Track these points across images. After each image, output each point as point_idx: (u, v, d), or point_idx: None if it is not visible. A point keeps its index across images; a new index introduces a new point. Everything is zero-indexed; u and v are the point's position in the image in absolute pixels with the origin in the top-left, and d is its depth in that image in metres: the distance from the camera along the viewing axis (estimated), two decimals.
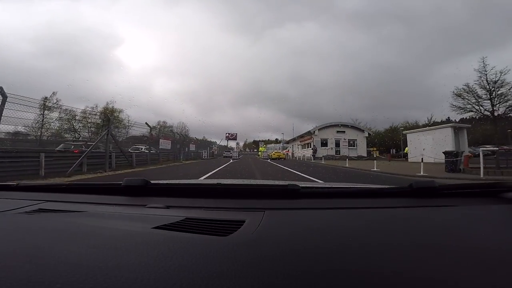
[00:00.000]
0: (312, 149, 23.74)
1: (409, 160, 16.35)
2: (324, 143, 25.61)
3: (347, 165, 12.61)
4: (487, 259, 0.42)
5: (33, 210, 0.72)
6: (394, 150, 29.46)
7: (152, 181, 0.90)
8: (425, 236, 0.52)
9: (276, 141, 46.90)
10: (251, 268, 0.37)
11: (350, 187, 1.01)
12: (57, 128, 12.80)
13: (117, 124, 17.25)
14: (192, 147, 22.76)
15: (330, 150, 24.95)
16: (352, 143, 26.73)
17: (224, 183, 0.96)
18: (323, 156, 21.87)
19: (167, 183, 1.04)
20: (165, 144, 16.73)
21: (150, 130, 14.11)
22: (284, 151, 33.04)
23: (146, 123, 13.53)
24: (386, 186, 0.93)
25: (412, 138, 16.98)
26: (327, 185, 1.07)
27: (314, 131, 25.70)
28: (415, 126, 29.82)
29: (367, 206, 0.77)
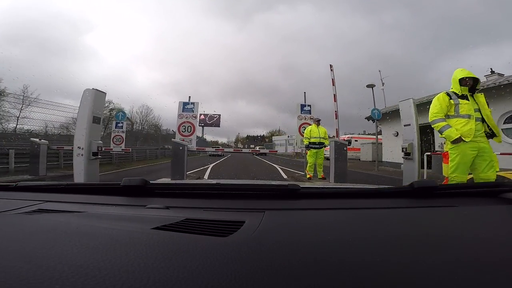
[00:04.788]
0: None
1: None
2: None
3: None
4: (487, 259, 0.41)
5: (33, 211, 0.72)
6: None
7: (152, 181, 0.89)
8: (425, 237, 0.52)
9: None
10: (251, 268, 0.37)
11: (350, 188, 1.03)
12: None
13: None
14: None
15: None
16: None
17: (224, 183, 0.95)
18: None
19: (166, 184, 1.05)
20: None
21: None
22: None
23: None
24: (387, 186, 0.93)
25: None
26: (327, 185, 1.18)
27: None
28: None
29: (368, 206, 0.76)
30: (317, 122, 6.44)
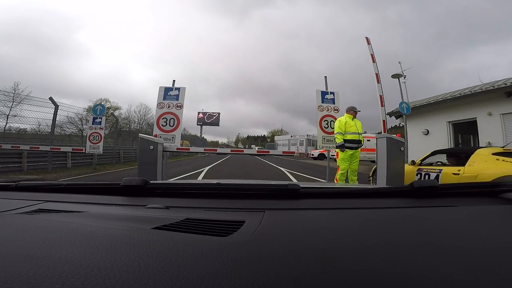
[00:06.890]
0: None
1: None
2: None
3: None
4: (487, 259, 0.41)
5: (33, 210, 0.71)
6: None
7: (152, 181, 0.88)
8: (425, 237, 0.52)
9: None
10: (251, 268, 0.37)
11: (351, 187, 1.01)
12: None
13: None
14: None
15: None
16: None
17: (224, 183, 0.94)
18: None
19: (167, 183, 1.03)
20: None
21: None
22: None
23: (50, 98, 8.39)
24: (387, 186, 0.94)
25: None
26: (328, 185, 1.16)
27: None
28: None
29: (368, 206, 0.76)
30: (354, 112, 4.53)
